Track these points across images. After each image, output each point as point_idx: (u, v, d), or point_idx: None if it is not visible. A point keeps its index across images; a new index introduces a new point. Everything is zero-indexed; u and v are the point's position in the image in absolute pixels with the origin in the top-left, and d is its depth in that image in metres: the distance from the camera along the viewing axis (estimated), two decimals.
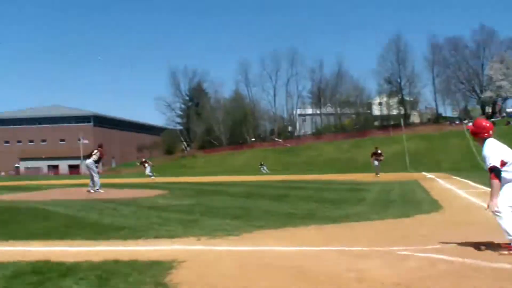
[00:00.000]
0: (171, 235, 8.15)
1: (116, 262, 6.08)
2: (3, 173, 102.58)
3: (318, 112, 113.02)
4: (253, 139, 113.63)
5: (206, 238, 7.83)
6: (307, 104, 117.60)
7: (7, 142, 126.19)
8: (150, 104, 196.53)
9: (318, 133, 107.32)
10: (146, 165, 43.14)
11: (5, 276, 5.52)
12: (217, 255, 6.57)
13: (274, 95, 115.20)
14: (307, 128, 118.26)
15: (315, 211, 11.68)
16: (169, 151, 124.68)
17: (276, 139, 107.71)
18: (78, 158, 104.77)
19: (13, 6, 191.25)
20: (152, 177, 38.71)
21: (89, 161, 19.40)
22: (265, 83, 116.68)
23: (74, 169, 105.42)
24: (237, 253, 6.70)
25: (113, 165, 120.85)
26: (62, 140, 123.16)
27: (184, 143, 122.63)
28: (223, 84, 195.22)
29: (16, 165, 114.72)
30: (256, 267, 5.79)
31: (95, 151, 19.85)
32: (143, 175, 45.21)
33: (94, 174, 19.18)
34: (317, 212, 11.37)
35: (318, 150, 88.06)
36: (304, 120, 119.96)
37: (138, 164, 45.58)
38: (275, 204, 13.57)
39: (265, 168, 70.26)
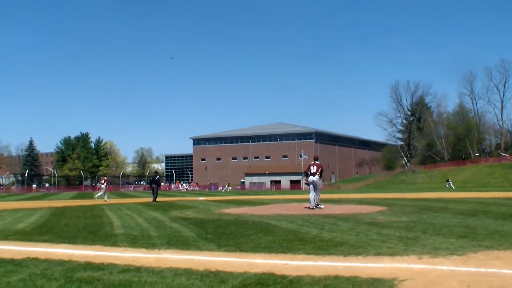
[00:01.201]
0: (391, 253, 8.02)
1: (337, 277, 6.15)
2: (230, 188, 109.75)
3: None
4: (477, 154, 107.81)
5: (428, 257, 7.56)
6: None
7: (234, 158, 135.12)
8: (370, 119, 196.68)
9: None
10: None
11: (234, 285, 5.88)
12: (439, 275, 6.31)
13: (502, 108, 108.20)
14: None
15: None
16: (389, 167, 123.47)
17: (502, 154, 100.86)
18: (299, 173, 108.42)
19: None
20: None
21: (316, 178, 18.90)
22: (491, 95, 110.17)
23: (294, 184, 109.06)
24: (461, 273, 6.37)
25: (333, 180, 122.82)
26: (284, 156, 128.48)
27: (405, 158, 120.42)
28: (446, 97, 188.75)
29: (242, 180, 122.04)
30: None
31: (313, 167, 19.04)
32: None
33: (318, 191, 19.09)
34: None
35: None
36: None
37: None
38: (503, 223, 12.67)
39: (450, 183, 69.42)
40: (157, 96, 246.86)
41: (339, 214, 16.55)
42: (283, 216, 16.07)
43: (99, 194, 36.08)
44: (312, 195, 19.17)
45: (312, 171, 19.05)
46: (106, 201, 33.95)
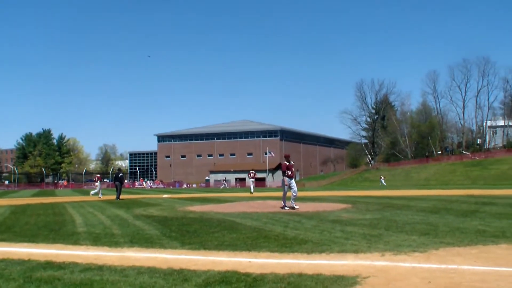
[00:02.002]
0: (355, 250, 8.10)
1: (300, 275, 6.18)
2: (194, 185, 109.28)
3: (511, 123, 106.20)
4: (440, 152, 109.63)
5: (391, 254, 7.67)
6: (498, 115, 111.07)
7: (199, 155, 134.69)
8: (335, 117, 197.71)
9: (510, 146, 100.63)
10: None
11: (198, 283, 5.86)
12: (401, 271, 6.40)
13: (463, 107, 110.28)
14: (498, 141, 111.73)
15: (507, 228, 10.92)
16: (353, 164, 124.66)
17: (464, 152, 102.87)
18: (264, 171, 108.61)
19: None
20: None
21: (286, 178, 17.90)
22: (454, 94, 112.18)
23: (259, 181, 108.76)
24: (423, 270, 6.47)
25: (297, 178, 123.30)
26: (249, 153, 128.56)
27: (369, 156, 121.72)
28: (410, 95, 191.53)
29: (207, 177, 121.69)
30: (444, 286, 5.54)
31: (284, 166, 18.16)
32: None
33: (285, 191, 18.06)
34: (510, 230, 10.63)
35: (510, 163, 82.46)
36: (494, 132, 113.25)
37: None
38: (464, 220, 12.92)
39: (382, 181, 74.04)
40: (121, 92, 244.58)
41: (303, 212, 16.64)
42: (247, 214, 16.09)
43: (94, 191, 36.14)
44: (284, 194, 18.34)
45: (292, 172, 18.25)
46: (100, 198, 33.90)
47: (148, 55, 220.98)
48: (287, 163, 18.21)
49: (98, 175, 40.23)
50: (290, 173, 18.15)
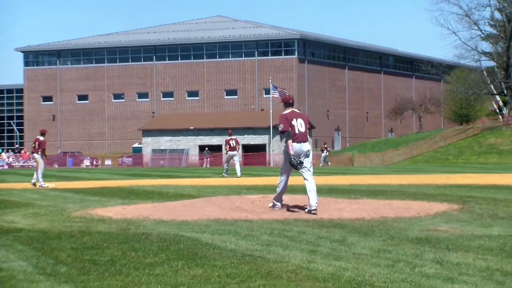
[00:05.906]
0: None
1: None
2: (109, 161, 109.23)
3: None
4: None
5: None
6: None
7: (119, 96, 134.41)
8: (419, 14, 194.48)
9: None
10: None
11: None
12: None
13: None
14: None
15: None
16: (463, 116, 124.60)
17: None
18: (263, 129, 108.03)
19: None
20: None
21: (309, 144, 18.24)
22: None
23: (254, 152, 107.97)
24: None
25: (338, 146, 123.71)
26: (231, 91, 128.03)
27: (497, 97, 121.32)
28: None
29: (135, 145, 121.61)
30: None
31: (299, 119, 18.00)
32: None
33: (311, 171, 18.22)
34: None
35: None
36: None
37: None
38: None
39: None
40: None
41: (351, 219, 16.72)
42: (227, 224, 16.22)
43: (39, 173, 35.56)
44: (283, 180, 18.61)
45: (299, 130, 18.00)
46: (43, 187, 34.96)
47: None
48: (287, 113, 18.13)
49: (40, 138, 38.25)
50: (300, 132, 17.94)
